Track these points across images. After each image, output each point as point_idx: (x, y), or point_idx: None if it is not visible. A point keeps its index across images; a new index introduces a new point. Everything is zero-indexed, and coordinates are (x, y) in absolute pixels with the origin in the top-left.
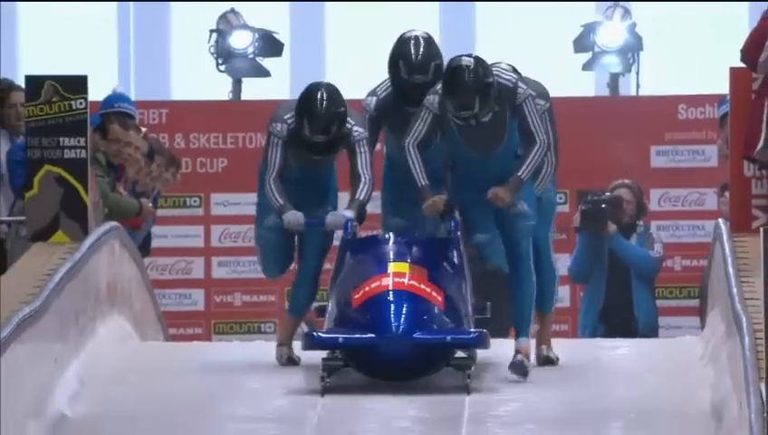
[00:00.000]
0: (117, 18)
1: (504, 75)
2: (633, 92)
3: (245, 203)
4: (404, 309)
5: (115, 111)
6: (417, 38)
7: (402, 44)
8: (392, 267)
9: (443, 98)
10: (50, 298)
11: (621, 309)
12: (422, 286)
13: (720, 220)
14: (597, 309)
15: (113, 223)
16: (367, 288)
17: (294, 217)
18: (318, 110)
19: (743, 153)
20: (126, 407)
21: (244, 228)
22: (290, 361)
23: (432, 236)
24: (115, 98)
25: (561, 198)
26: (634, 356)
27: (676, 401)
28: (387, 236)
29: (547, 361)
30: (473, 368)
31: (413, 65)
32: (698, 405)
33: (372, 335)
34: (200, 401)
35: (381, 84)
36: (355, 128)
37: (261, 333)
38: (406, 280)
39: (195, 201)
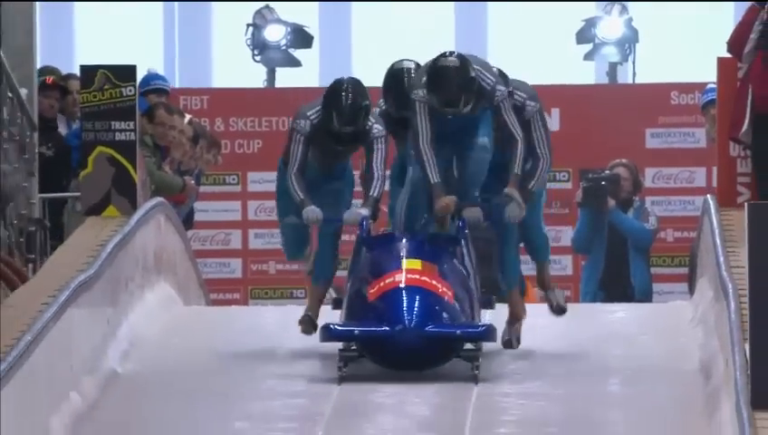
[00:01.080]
0: (163, 14)
1: (484, 77)
2: (630, 80)
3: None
4: (416, 303)
5: (152, 89)
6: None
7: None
8: (405, 264)
9: (428, 93)
10: (102, 267)
11: (619, 277)
12: (433, 282)
13: (708, 196)
14: (597, 277)
15: (159, 199)
16: (381, 283)
17: (313, 213)
18: (345, 102)
19: (729, 135)
20: (170, 365)
21: (272, 204)
22: (313, 326)
23: (443, 235)
24: (151, 77)
25: (564, 177)
26: (630, 319)
27: (668, 359)
28: (400, 234)
29: (553, 299)
30: (480, 359)
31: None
32: (688, 363)
33: (386, 328)
34: (237, 359)
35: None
36: (375, 125)
37: (293, 299)
38: (418, 276)
39: (233, 179)
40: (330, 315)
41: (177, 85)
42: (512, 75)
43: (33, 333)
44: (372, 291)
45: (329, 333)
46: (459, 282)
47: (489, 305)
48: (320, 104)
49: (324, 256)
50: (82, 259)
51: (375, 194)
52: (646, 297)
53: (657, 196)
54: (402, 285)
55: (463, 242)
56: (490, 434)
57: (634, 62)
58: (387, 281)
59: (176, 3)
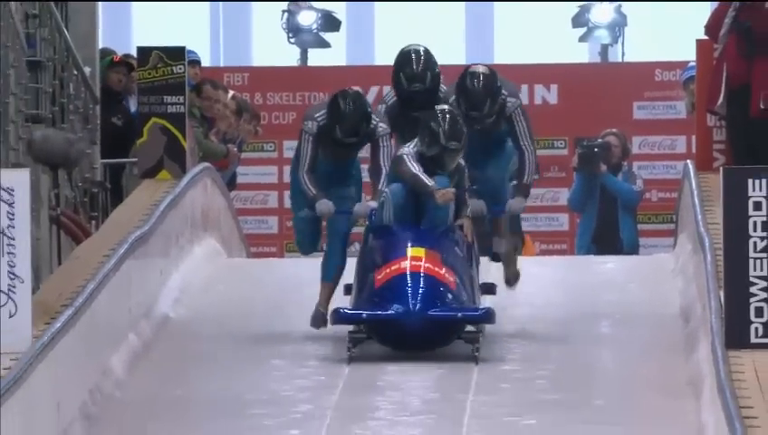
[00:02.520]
0: (209, 3)
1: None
2: (619, 59)
3: None
4: (420, 289)
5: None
6: (417, 51)
7: (402, 57)
8: (410, 252)
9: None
10: (156, 224)
11: (610, 232)
12: (436, 269)
13: (688, 161)
14: (590, 233)
15: (206, 164)
16: (388, 270)
17: (326, 205)
18: (347, 115)
19: (706, 107)
20: (215, 309)
21: None
22: (323, 322)
23: (445, 224)
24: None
25: (561, 144)
26: (619, 270)
27: (652, 304)
28: (406, 224)
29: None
30: (481, 341)
31: (413, 75)
32: (670, 308)
33: (392, 312)
34: (274, 305)
35: (388, 93)
36: (379, 124)
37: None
38: (422, 263)
39: (270, 147)
40: (342, 300)
41: (221, 64)
42: (515, 57)
43: (96, 282)
44: (379, 277)
45: (339, 317)
46: (461, 269)
47: (491, 292)
48: (326, 107)
49: (333, 255)
50: (139, 217)
51: (382, 187)
52: (633, 250)
53: (643, 161)
54: (407, 272)
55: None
56: (496, 370)
57: (623, 44)
58: (392, 268)
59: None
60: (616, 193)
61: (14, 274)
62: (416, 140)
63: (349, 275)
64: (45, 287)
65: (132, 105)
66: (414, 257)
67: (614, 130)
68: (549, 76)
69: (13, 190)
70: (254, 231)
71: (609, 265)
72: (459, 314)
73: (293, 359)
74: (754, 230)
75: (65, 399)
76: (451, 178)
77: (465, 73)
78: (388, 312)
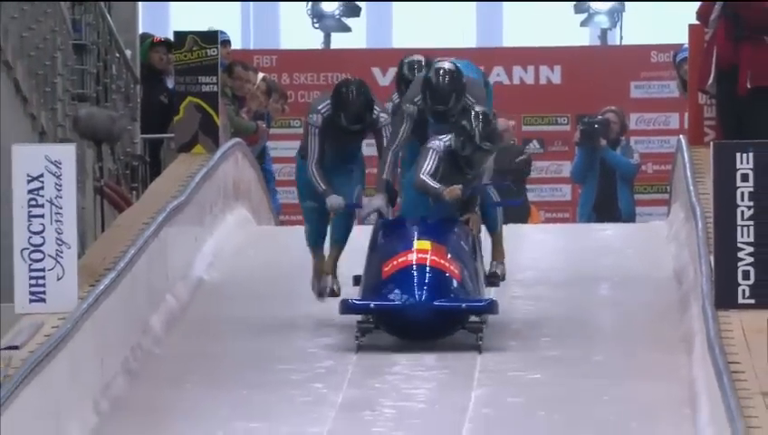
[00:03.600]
0: None
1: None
2: (617, 42)
3: None
4: (426, 281)
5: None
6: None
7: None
8: (417, 245)
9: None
10: (191, 194)
11: (609, 202)
12: (442, 261)
13: (681, 136)
14: (591, 202)
15: (237, 139)
16: (395, 262)
17: (336, 200)
18: (351, 104)
19: (698, 87)
20: (246, 273)
21: None
22: (332, 292)
23: (451, 218)
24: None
25: (564, 121)
26: (618, 236)
27: (648, 268)
28: (413, 218)
29: (493, 276)
30: (484, 330)
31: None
32: (664, 271)
33: (398, 302)
34: (300, 268)
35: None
36: (381, 114)
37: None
38: (428, 256)
39: (297, 123)
40: (352, 292)
41: (251, 47)
42: (522, 40)
43: (136, 247)
44: (386, 269)
45: (347, 307)
46: (466, 261)
47: (494, 284)
48: (329, 98)
49: (340, 223)
50: (175, 188)
51: (385, 175)
52: (630, 218)
53: (639, 136)
54: (413, 264)
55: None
56: (504, 329)
57: (621, 28)
58: (399, 260)
59: None
60: (614, 166)
61: (61, 240)
62: (450, 135)
63: (358, 267)
64: (90, 252)
65: (170, 83)
66: (420, 250)
67: (613, 107)
68: (553, 58)
69: (60, 163)
70: (282, 201)
71: (608, 232)
72: (464, 305)
73: (318, 319)
74: (742, 200)
75: (108, 355)
76: (474, 177)
77: (430, 69)
78: (395, 302)
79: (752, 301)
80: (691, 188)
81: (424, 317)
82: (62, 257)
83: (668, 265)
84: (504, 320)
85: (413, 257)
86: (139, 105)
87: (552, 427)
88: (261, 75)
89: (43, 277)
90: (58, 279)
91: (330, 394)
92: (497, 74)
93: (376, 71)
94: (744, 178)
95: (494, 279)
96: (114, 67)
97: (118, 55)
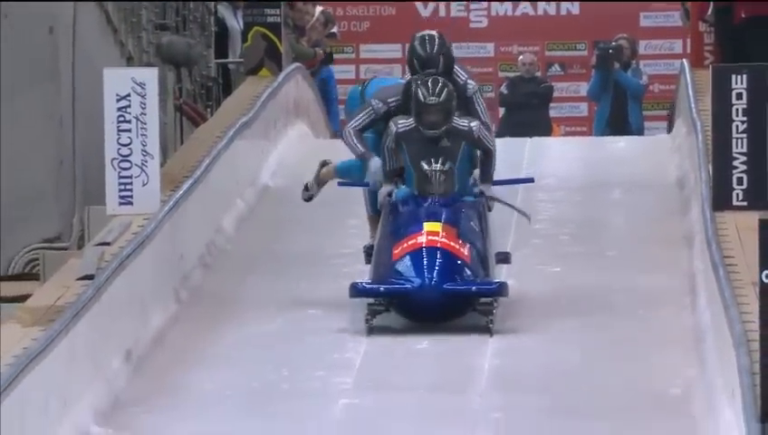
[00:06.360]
0: None
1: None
2: None
3: (379, 51)
4: (436, 263)
5: None
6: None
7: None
8: (426, 226)
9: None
10: (258, 111)
11: (620, 118)
12: (452, 243)
13: (684, 60)
14: (605, 118)
15: (297, 64)
16: (405, 244)
17: (376, 164)
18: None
19: (698, 17)
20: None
21: (378, 67)
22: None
23: (461, 199)
24: None
25: (582, 47)
26: (628, 148)
27: (654, 175)
28: (423, 199)
29: (503, 255)
30: (495, 313)
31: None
32: (668, 178)
33: (409, 286)
34: None
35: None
36: (468, 82)
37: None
38: (438, 238)
39: (349, 49)
40: (363, 272)
41: None
42: None
43: (211, 157)
44: (397, 251)
45: (357, 290)
46: (476, 242)
47: (506, 261)
48: (400, 94)
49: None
50: (244, 106)
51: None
52: (639, 132)
53: (648, 60)
54: (423, 247)
55: (480, 205)
56: (528, 229)
57: None
58: (409, 242)
59: None
60: (626, 86)
61: (145, 151)
62: (411, 118)
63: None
64: (171, 162)
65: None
66: (430, 232)
67: (625, 34)
68: None
69: (144, 85)
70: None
71: (620, 144)
72: (474, 288)
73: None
74: (737, 116)
75: (187, 251)
76: (473, 143)
77: (414, 38)
78: (405, 286)
79: (744, 203)
80: (692, 105)
81: (434, 301)
82: (146, 166)
83: (672, 173)
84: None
85: (423, 240)
86: (213, 33)
87: (571, 313)
88: (319, 8)
89: (131, 183)
90: (143, 185)
91: None
92: (524, 7)
93: (419, 5)
94: (739, 96)
95: (504, 257)
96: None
97: None
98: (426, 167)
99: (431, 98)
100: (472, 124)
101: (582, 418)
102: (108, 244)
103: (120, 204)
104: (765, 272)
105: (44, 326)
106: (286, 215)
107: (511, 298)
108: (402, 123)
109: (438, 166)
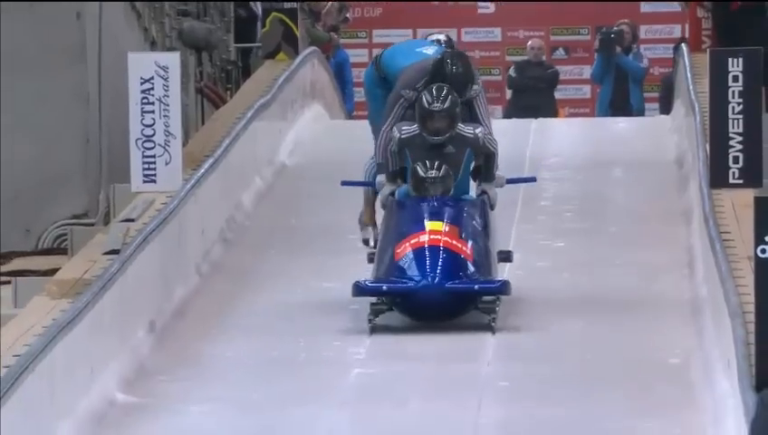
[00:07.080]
0: None
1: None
2: None
3: (392, 35)
4: (438, 262)
5: None
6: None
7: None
8: (429, 226)
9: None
10: (276, 93)
11: (622, 99)
12: (454, 242)
13: (683, 44)
14: (607, 99)
15: (313, 48)
16: (407, 244)
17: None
18: (455, 76)
19: (697, 2)
20: (321, 158)
21: None
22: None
23: (464, 198)
24: None
25: (585, 32)
26: (630, 128)
27: (654, 154)
28: (425, 198)
29: (505, 253)
30: (497, 311)
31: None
32: (667, 157)
33: (411, 285)
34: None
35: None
36: (473, 86)
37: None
38: (440, 237)
39: (363, 35)
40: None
41: None
42: None
43: (231, 138)
44: (399, 251)
45: (360, 289)
46: (478, 241)
47: (508, 259)
48: (426, 75)
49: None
50: (263, 88)
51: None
52: (640, 113)
53: (648, 44)
54: (426, 246)
55: (482, 204)
56: (533, 205)
57: None
58: (412, 241)
59: None
60: (627, 69)
61: (168, 131)
62: (415, 124)
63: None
64: (192, 142)
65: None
66: (432, 231)
67: (626, 20)
68: None
69: (167, 68)
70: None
71: (622, 124)
72: (476, 287)
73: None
74: (732, 97)
75: (208, 226)
76: (477, 150)
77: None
78: (408, 285)
79: (740, 181)
80: (691, 87)
81: (437, 299)
82: (169, 146)
83: (671, 152)
84: (535, 197)
85: (425, 239)
86: (232, 19)
87: (574, 286)
88: None
89: (154, 162)
90: (166, 164)
91: None
92: None
93: None
94: (735, 79)
95: (506, 256)
96: None
97: None
98: (421, 172)
99: (436, 104)
100: (477, 131)
101: (585, 385)
102: (132, 220)
103: (144, 182)
104: (760, 247)
105: (72, 298)
106: (303, 192)
107: (515, 272)
108: (406, 129)
109: (434, 172)
